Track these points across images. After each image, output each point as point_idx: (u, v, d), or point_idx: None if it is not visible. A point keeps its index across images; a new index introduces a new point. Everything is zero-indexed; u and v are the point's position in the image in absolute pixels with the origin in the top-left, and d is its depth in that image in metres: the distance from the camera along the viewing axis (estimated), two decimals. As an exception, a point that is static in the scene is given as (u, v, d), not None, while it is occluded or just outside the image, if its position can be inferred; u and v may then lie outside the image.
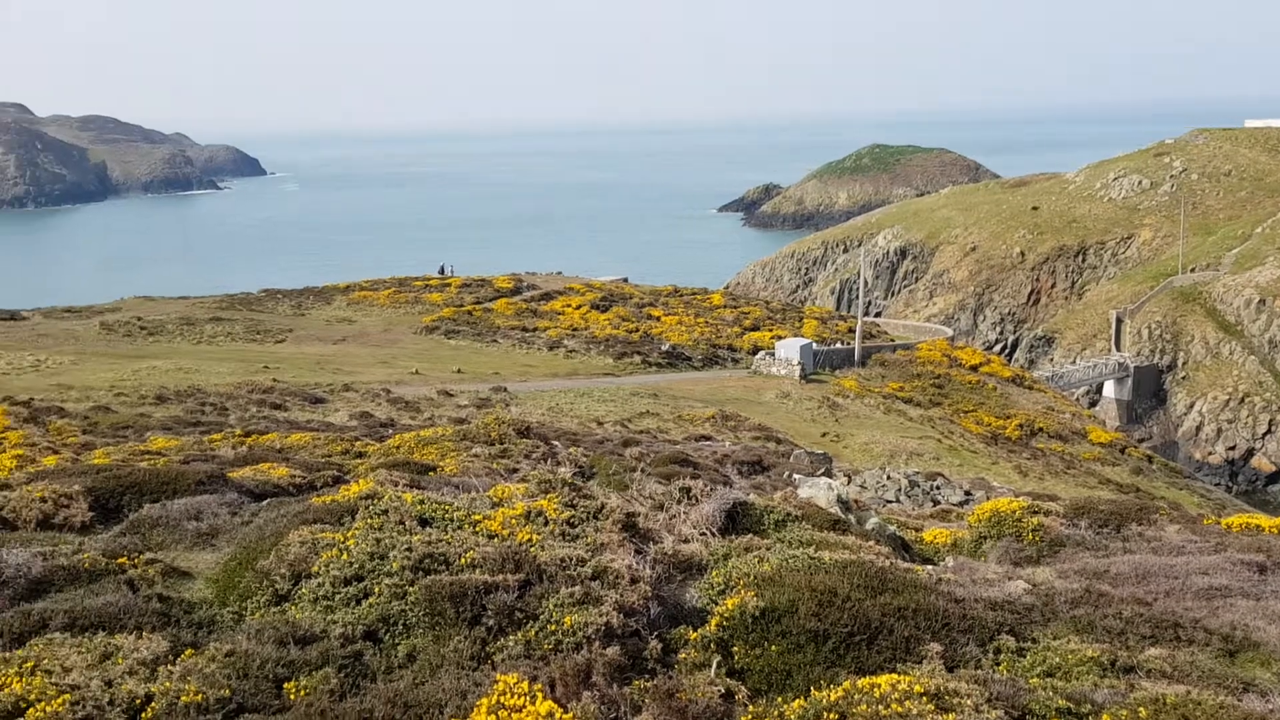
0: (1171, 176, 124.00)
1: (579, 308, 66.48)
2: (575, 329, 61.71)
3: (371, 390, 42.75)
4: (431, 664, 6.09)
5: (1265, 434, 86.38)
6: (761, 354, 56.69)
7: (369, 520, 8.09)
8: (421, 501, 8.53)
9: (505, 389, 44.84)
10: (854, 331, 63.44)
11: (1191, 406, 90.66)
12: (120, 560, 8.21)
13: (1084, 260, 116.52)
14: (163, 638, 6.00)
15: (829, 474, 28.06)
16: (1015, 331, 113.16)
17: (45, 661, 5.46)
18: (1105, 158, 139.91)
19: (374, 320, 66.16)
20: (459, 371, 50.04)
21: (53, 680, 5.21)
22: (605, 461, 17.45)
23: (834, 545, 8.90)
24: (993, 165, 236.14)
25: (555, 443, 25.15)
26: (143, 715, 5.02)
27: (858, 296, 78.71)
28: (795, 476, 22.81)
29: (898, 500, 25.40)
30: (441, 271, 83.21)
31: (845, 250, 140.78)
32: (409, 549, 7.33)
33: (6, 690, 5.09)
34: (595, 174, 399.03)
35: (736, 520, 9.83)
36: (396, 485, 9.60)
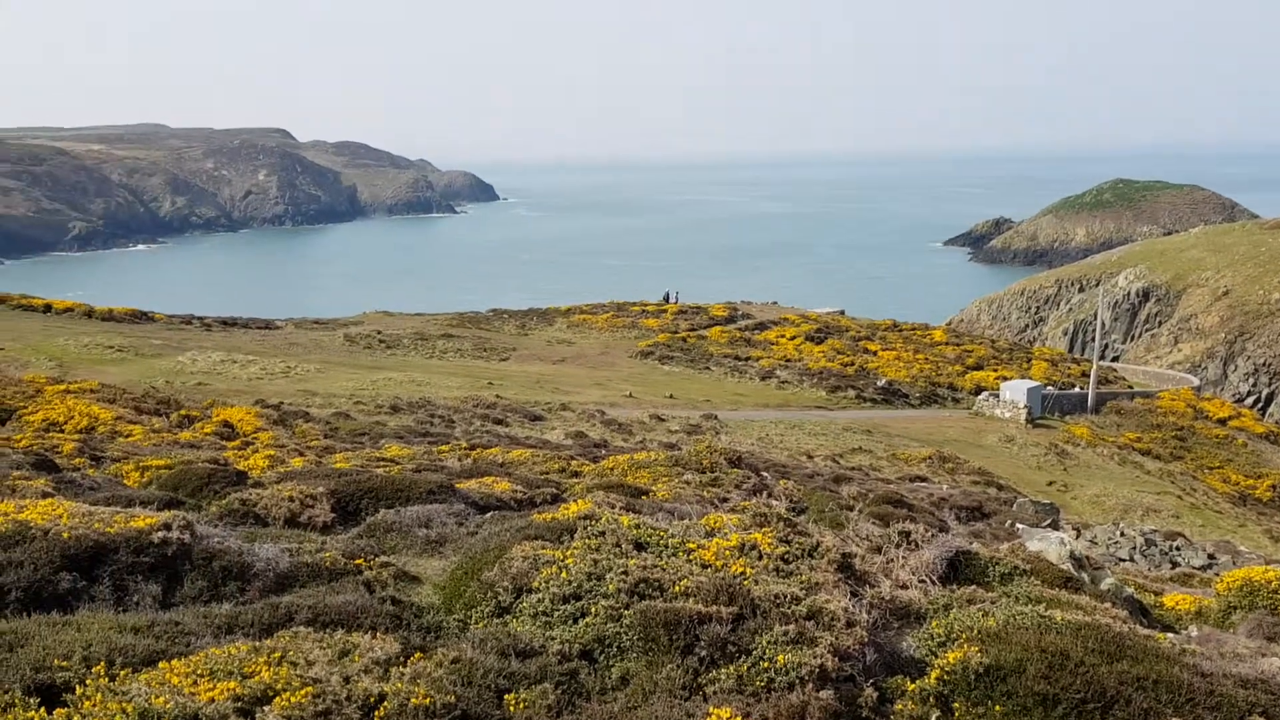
0: None
1: (793, 339, 65.97)
2: (788, 360, 61.25)
3: (587, 411, 43.87)
4: (644, 689, 6.12)
5: None
6: (984, 395, 54.47)
7: (587, 541, 8.25)
8: (637, 526, 8.62)
9: (716, 417, 44.99)
10: (1088, 376, 60.02)
11: None
12: (358, 561, 8.71)
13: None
14: (394, 639, 6.30)
15: (1055, 526, 26.56)
16: (1270, 384, 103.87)
17: (291, 654, 5.83)
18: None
19: (592, 342, 67.91)
20: (671, 397, 50.61)
21: (297, 672, 5.56)
22: (817, 497, 17.17)
23: (1066, 604, 8.37)
24: (1250, 203, 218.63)
25: (765, 474, 24.97)
26: (376, 714, 5.27)
27: (1094, 339, 74.43)
28: (1018, 526, 21.70)
29: (1131, 559, 23.73)
30: (666, 298, 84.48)
31: (1081, 289, 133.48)
32: (625, 572, 7.42)
33: (257, 678, 5.46)
34: (815, 205, 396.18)
35: (958, 570, 9.43)
36: (613, 507, 9.77)
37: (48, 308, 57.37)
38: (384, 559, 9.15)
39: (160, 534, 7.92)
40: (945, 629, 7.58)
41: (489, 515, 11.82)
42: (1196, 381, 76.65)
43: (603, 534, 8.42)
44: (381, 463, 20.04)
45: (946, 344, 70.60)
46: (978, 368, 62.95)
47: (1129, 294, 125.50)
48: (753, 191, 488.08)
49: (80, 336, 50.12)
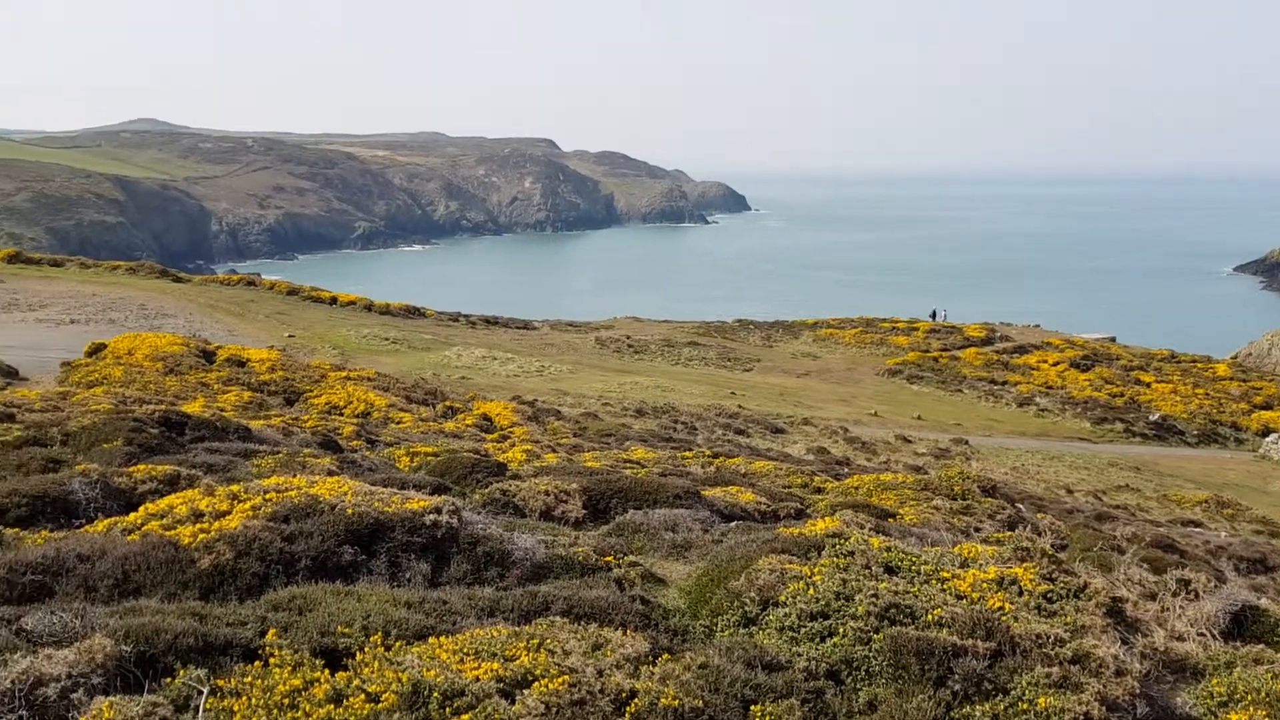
0: None
1: (1056, 364, 62.47)
2: (1050, 387, 58.05)
3: (830, 427, 43.26)
4: (893, 717, 5.96)
5: None
6: (1273, 436, 49.64)
7: (835, 559, 8.12)
8: (888, 549, 8.41)
9: (966, 442, 43.26)
10: (1399, 423, 53.50)
11: None
12: (607, 559, 8.95)
13: None
14: (644, 638, 6.42)
15: (1353, 588, 23.77)
16: None
17: (548, 642, 6.06)
18: None
19: (837, 358, 66.95)
20: (919, 418, 49.11)
21: (554, 660, 5.77)
22: (1080, 535, 16.16)
23: (1376, 677, 7.47)
24: None
25: (1020, 505, 23.76)
26: (627, 710, 5.39)
27: (1407, 382, 66.38)
28: (1311, 584, 19.58)
29: None
30: (933, 315, 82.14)
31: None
32: (875, 595, 7.24)
33: (517, 662, 5.70)
34: (1085, 224, 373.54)
35: (1243, 625, 8.62)
36: (862, 528, 9.57)
37: (333, 300, 62.56)
38: (632, 558, 9.36)
39: (431, 517, 8.44)
40: (1227, 688, 6.94)
41: (733, 525, 11.86)
42: None
43: (851, 554, 8.26)
44: (628, 464, 20.54)
45: (1231, 379, 64.75)
46: (1267, 407, 57.35)
47: None
48: (1009, 208, 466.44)
49: (360, 328, 54.32)
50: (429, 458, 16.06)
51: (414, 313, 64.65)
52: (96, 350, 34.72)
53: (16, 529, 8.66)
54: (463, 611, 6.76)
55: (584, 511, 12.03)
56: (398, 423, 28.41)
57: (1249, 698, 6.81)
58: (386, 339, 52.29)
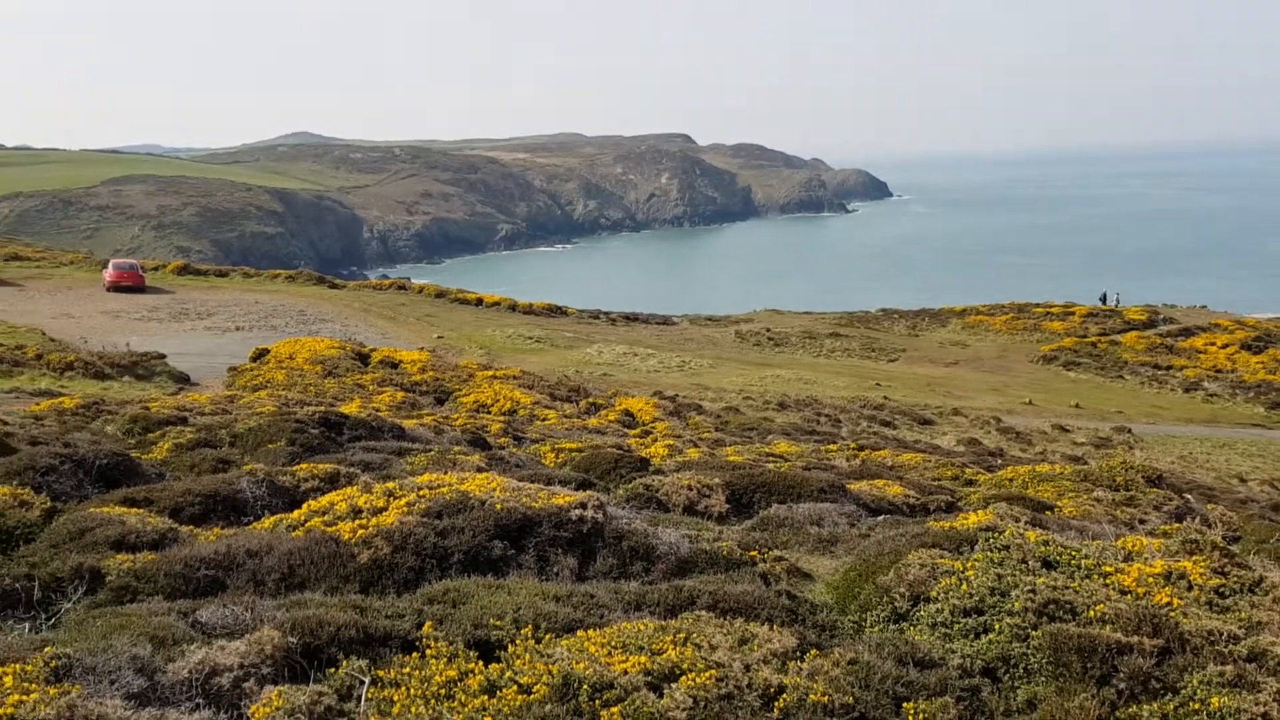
0: None
1: (1225, 347, 59.10)
2: (1219, 370, 54.97)
3: (981, 417, 42.01)
4: (1054, 716, 5.74)
5: None
6: None
7: (989, 554, 7.86)
8: (1045, 543, 8.09)
9: (1129, 430, 41.36)
10: None
11: None
12: (751, 553, 8.91)
13: None
14: (791, 634, 6.36)
15: None
16: None
17: (694, 636, 6.07)
18: None
19: (987, 345, 64.95)
20: (1076, 406, 47.21)
21: (701, 654, 5.77)
22: (1255, 526, 15.24)
23: None
24: None
25: (1188, 496, 22.56)
26: (775, 704, 5.35)
27: None
28: None
29: None
30: (1103, 299, 78.93)
31: None
32: (1032, 590, 6.99)
33: (664, 656, 5.73)
34: (1262, 198, 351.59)
35: None
36: (1017, 521, 9.25)
37: (479, 301, 64.21)
38: (776, 553, 9.29)
39: (577, 511, 8.56)
40: None
41: (880, 519, 11.65)
42: None
43: (1006, 548, 7.99)
44: (771, 458, 20.41)
45: None
46: None
47: None
48: (1179, 183, 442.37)
49: (505, 328, 55.61)
50: (573, 454, 16.32)
51: (556, 311, 65.78)
52: (260, 355, 36.57)
53: (191, 526, 9.19)
54: (609, 605, 6.83)
55: (727, 506, 12.01)
56: (543, 420, 28.96)
57: None
58: (530, 338, 53.37)
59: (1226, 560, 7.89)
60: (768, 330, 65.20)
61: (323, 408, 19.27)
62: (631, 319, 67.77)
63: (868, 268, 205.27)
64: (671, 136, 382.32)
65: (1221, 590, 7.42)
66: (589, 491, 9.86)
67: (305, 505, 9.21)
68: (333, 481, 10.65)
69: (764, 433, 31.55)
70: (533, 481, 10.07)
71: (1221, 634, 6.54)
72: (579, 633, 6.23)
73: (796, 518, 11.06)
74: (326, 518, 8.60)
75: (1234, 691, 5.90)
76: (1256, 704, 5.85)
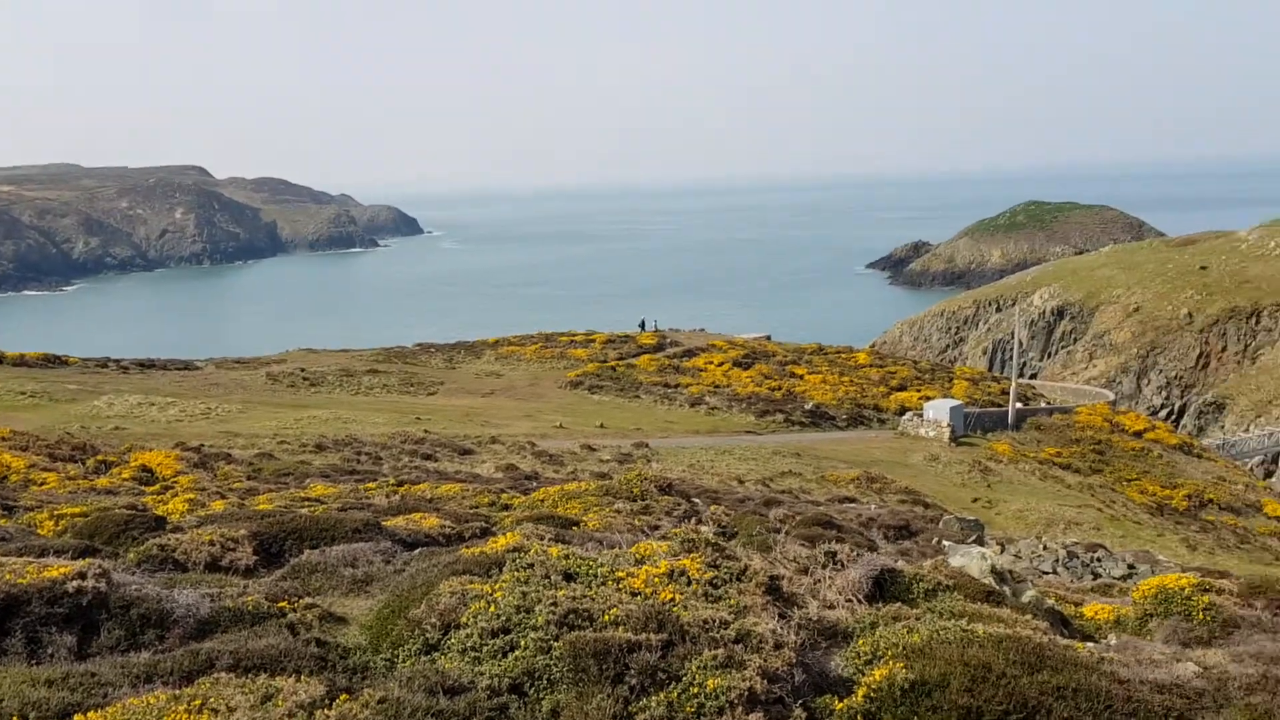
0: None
1: (721, 365, 66.48)
2: (717, 386, 61.68)
3: (517, 443, 43.62)
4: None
5: None
6: (909, 415, 55.40)
7: (516, 574, 8.21)
8: (566, 556, 8.61)
9: (647, 445, 45.05)
10: (1007, 393, 61.39)
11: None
12: (281, 604, 8.55)
13: (1258, 323, 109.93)
14: (320, 682, 6.20)
15: (980, 542, 27.06)
16: (1183, 397, 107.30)
17: (212, 700, 5.71)
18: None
19: (520, 374, 67.64)
20: (601, 426, 50.58)
21: (218, 719, 5.44)
22: (747, 521, 17.29)
23: (988, 618, 8.55)
24: (1157, 222, 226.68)
25: (696, 500, 25.07)
26: (300, 757, 5.18)
27: (1011, 357, 76.26)
28: (944, 543, 22.07)
29: (1054, 572, 24.24)
30: (642, 326, 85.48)
31: (998, 309, 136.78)
32: (554, 603, 7.40)
33: (177, 726, 5.33)
34: (740, 231, 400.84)
35: (884, 588, 9.57)
36: (542, 539, 9.74)
37: (-47, 354, 55.42)
38: (309, 600, 9.00)
39: (75, 583, 7.70)
40: (871, 647, 7.69)
41: (417, 552, 11.68)
42: (1112, 396, 78.81)
43: (531, 566, 8.39)
44: (306, 502, 19.69)
45: (871, 366, 71.73)
46: (901, 388, 64.02)
47: (1044, 313, 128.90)
48: (679, 221, 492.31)
49: (-12, 383, 48.48)
50: (75, 519, 14.62)
51: (54, 361, 58.57)
52: None
53: None
54: (115, 681, 6.22)
55: (255, 557, 11.41)
56: (40, 484, 25.63)
57: (889, 652, 7.58)
58: (23, 393, 47.00)
59: (718, 554, 8.90)
60: (302, 370, 62.89)
61: None
62: (147, 365, 62.11)
63: (404, 303, 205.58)
64: (185, 169, 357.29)
65: (714, 581, 8.35)
66: (90, 559, 8.89)
67: None
68: None
69: (301, 477, 30.35)
70: (21, 555, 8.90)
71: (715, 621, 7.36)
72: (76, 717, 5.61)
73: (330, 561, 10.78)
74: None
75: (725, 671, 6.66)
76: (743, 680, 6.65)
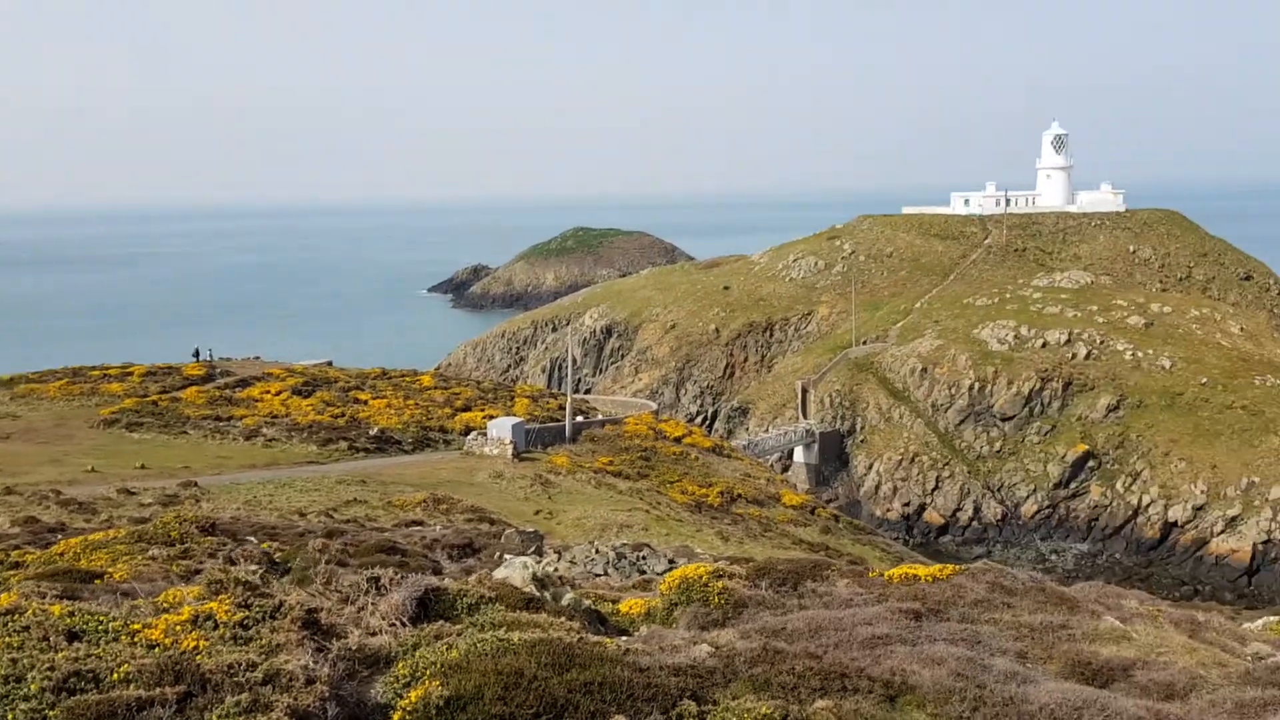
0: (843, 258, 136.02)
1: (279, 394, 63.49)
2: (275, 416, 58.81)
3: (39, 492, 38.64)
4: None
5: (934, 490, 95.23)
6: (474, 434, 56.32)
7: (7, 639, 7.26)
8: (72, 614, 7.77)
9: (196, 484, 41.86)
10: (564, 409, 64.44)
11: (870, 467, 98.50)
12: None
13: (771, 335, 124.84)
14: None
15: (540, 552, 28.12)
16: (714, 403, 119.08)
17: None
18: (786, 241, 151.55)
19: (43, 415, 60.05)
20: (143, 467, 46.28)
21: None
22: (301, 555, 16.63)
23: (525, 625, 8.90)
24: (688, 247, 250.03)
25: (249, 539, 23.68)
26: None
27: (567, 374, 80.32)
28: (506, 557, 22.66)
29: (606, 573, 25.76)
30: (196, 354, 78.21)
31: (554, 329, 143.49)
32: (51, 668, 6.64)
33: None
34: (292, 255, 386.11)
35: (429, 607, 9.63)
36: (44, 597, 8.71)
37: None
38: None
39: None
40: (410, 668, 7.71)
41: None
42: (655, 405, 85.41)
43: (27, 628, 7.47)
44: None
45: (435, 388, 72.03)
46: (466, 409, 64.92)
47: (595, 331, 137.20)
48: (223, 242, 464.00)
49: None
50: None
51: None
52: None
53: None
54: None
55: None
56: None
57: (428, 672, 7.64)
58: None
59: (250, 593, 8.47)
60: None
61: None
62: None
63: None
64: None
65: (245, 622, 7.94)
66: None
67: None
68: None
69: None
70: None
71: (241, 664, 6.99)
72: None
73: None
74: None
75: (250, 716, 6.35)
76: (272, 720, 6.37)
